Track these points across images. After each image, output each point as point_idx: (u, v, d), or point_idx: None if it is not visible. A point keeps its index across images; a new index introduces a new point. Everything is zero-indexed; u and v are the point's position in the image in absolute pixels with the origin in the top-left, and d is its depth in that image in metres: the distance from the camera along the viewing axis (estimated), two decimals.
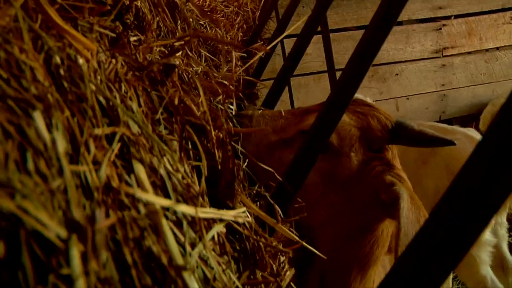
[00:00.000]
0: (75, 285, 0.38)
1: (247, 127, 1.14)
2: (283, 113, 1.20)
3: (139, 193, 0.43)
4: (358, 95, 1.20)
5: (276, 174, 0.89)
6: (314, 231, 1.07)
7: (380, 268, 1.17)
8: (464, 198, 0.42)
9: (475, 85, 4.16)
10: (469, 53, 4.16)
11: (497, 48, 4.22)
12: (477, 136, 2.52)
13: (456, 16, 4.06)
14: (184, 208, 0.49)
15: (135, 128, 0.57)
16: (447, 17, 4.03)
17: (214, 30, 1.60)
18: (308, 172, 0.90)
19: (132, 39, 0.91)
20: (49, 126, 0.46)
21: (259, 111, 1.20)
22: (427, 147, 1.10)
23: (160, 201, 0.45)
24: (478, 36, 4.15)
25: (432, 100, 4.01)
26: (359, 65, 0.81)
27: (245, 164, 0.96)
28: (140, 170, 0.53)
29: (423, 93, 3.98)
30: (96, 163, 0.49)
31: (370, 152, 1.10)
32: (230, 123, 0.97)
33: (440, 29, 4.02)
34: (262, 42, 2.02)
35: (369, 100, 1.23)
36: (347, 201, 1.08)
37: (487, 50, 4.22)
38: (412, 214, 0.94)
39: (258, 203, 0.94)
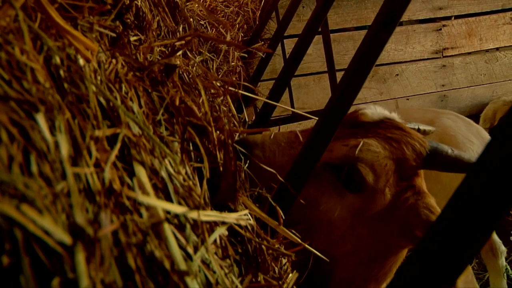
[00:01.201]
0: None
1: (259, 159, 1.00)
2: (300, 138, 1.06)
3: (141, 197, 0.43)
4: (385, 112, 1.11)
5: (278, 175, 0.88)
6: (335, 260, 1.00)
7: None
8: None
9: (475, 85, 4.15)
10: (469, 53, 4.16)
11: (497, 49, 4.21)
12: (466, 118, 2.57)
13: (456, 17, 4.05)
14: (186, 212, 0.48)
15: (136, 130, 0.56)
16: (447, 18, 4.02)
17: (214, 30, 1.59)
18: (310, 173, 0.90)
19: (132, 38, 0.91)
20: (51, 129, 0.46)
21: (270, 135, 1.06)
22: (461, 173, 1.01)
23: (162, 205, 0.44)
24: (478, 37, 4.15)
25: (432, 101, 4.01)
26: (362, 65, 0.80)
27: (246, 165, 0.95)
28: (141, 172, 0.52)
29: (423, 94, 3.97)
30: (98, 166, 0.48)
31: (402, 182, 1.02)
32: (232, 122, 0.96)
33: (440, 29, 4.02)
34: (262, 42, 2.01)
35: (395, 116, 1.12)
36: (376, 233, 1.01)
37: (487, 50, 4.22)
38: None
39: (258, 205, 0.93)
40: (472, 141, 2.16)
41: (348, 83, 0.85)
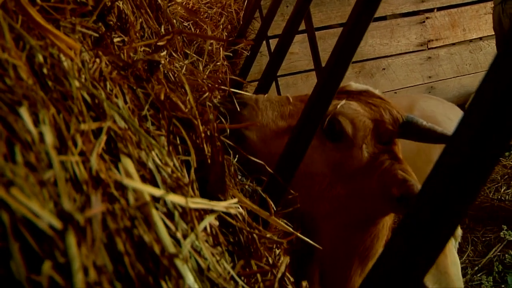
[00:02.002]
0: (74, 277, 0.38)
1: (253, 108, 1.11)
2: (291, 99, 1.16)
3: (126, 181, 0.43)
4: (368, 87, 1.22)
5: (267, 167, 0.89)
6: (316, 223, 1.07)
7: None
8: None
9: (461, 75, 4.20)
10: (453, 44, 4.20)
11: (480, 38, 4.27)
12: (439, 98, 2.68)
13: (439, 9, 4.10)
14: (173, 198, 0.49)
15: (121, 123, 0.57)
16: (430, 10, 4.07)
17: (198, 31, 1.60)
18: (299, 163, 0.91)
19: (115, 40, 0.91)
20: (35, 123, 0.46)
21: (265, 96, 1.16)
22: (435, 144, 1.10)
23: (148, 189, 0.45)
24: (461, 27, 4.20)
25: (420, 93, 4.04)
26: (346, 48, 0.82)
27: (236, 159, 0.96)
28: (129, 164, 0.53)
29: (411, 86, 4.01)
30: (85, 160, 0.49)
31: (380, 145, 1.09)
32: (220, 118, 0.97)
33: (424, 22, 4.06)
34: (247, 42, 2.02)
35: (378, 92, 1.22)
36: (354, 194, 1.06)
37: (470, 40, 4.27)
38: None
39: (249, 197, 0.94)
40: (450, 118, 2.24)
41: (332, 70, 0.87)
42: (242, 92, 1.21)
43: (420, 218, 0.49)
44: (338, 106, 1.09)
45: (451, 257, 1.84)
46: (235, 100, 1.07)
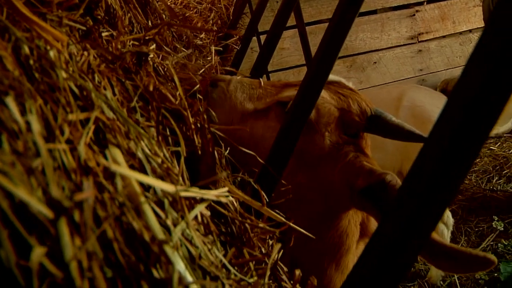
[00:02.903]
0: (70, 267, 0.38)
1: (222, 91, 1.11)
2: (262, 83, 1.15)
3: (114, 167, 0.44)
4: (341, 79, 1.20)
5: (258, 158, 0.90)
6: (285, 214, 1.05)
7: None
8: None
9: (452, 68, 4.22)
10: (443, 37, 4.22)
11: (470, 31, 4.29)
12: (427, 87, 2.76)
13: (429, 2, 4.11)
14: (162, 185, 0.49)
15: (110, 114, 0.57)
16: (420, 3, 4.08)
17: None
18: (291, 154, 0.91)
19: (104, 34, 0.91)
20: (22, 113, 0.46)
21: (238, 77, 1.16)
22: (403, 141, 1.10)
23: (135, 175, 0.45)
24: (451, 20, 4.21)
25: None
26: (334, 39, 0.82)
27: (227, 151, 0.96)
28: (117, 154, 0.53)
29: (402, 79, 4.03)
30: (73, 149, 0.49)
31: (345, 136, 1.07)
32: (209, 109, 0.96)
33: (414, 15, 4.07)
34: (237, 37, 2.02)
35: (351, 85, 1.21)
36: (315, 185, 1.04)
37: (460, 33, 4.29)
38: None
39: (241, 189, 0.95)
40: (439, 107, 2.28)
41: (322, 59, 0.87)
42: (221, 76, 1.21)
43: (407, 207, 0.49)
44: None
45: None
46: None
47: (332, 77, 1.15)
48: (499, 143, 3.86)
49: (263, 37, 2.24)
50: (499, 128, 3.88)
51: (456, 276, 2.47)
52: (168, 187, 0.49)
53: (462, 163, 0.46)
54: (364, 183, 0.98)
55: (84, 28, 0.77)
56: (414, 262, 0.53)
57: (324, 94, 1.09)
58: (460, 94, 0.44)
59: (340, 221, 1.07)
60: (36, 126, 0.42)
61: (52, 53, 0.58)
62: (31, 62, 0.56)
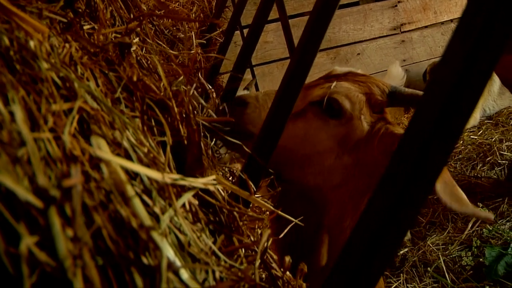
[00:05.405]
0: (61, 255, 0.38)
1: (255, 106, 1.24)
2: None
3: (99, 152, 0.43)
4: (351, 68, 1.36)
5: (244, 147, 0.90)
6: (324, 195, 1.17)
7: None
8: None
9: (434, 57, 4.26)
10: (425, 27, 4.26)
11: (451, 20, 4.33)
12: None
13: None
14: (148, 172, 0.49)
15: (93, 104, 0.57)
16: None
17: (169, 20, 1.58)
18: (277, 142, 0.92)
19: (85, 27, 0.90)
20: (5, 104, 0.46)
21: (258, 92, 1.29)
22: None
23: (120, 161, 0.45)
24: (433, 10, 4.25)
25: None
26: (319, 23, 0.83)
27: (214, 142, 0.96)
28: (102, 143, 0.53)
29: (386, 70, 4.05)
30: (57, 138, 0.48)
31: (374, 115, 1.21)
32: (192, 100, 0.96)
33: (396, 6, 4.10)
34: (220, 30, 2.02)
35: (360, 71, 1.35)
36: (360, 162, 1.17)
37: (442, 23, 4.34)
38: None
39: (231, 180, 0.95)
40: None
41: (304, 50, 0.87)
42: (241, 93, 1.32)
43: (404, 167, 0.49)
44: (332, 87, 1.21)
45: None
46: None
47: (343, 68, 1.33)
48: (481, 131, 3.92)
49: (246, 31, 2.24)
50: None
51: (442, 261, 2.51)
52: (155, 174, 0.49)
53: (452, 130, 0.46)
54: None
55: (64, 20, 0.76)
56: (410, 228, 0.55)
57: (347, 84, 1.22)
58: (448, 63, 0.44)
59: None
60: (20, 115, 0.42)
61: (32, 44, 0.57)
62: (12, 53, 0.55)
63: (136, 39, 1.00)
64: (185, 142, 0.75)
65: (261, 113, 1.22)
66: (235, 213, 0.74)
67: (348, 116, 1.19)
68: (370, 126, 1.19)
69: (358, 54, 3.97)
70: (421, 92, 1.17)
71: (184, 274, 0.48)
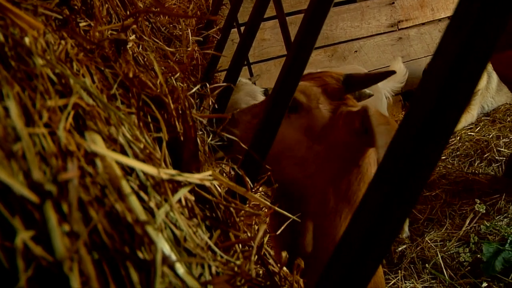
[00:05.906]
0: (57, 249, 0.38)
1: (238, 129, 1.29)
2: (257, 103, 1.37)
3: (93, 147, 0.43)
4: (310, 70, 1.41)
5: (241, 143, 0.90)
6: (304, 185, 1.21)
7: None
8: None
9: (432, 55, 4.25)
10: (423, 24, 4.26)
11: (449, 17, 4.32)
12: None
13: None
14: (144, 167, 0.49)
15: (89, 100, 0.57)
16: None
17: (167, 18, 1.58)
18: (274, 137, 0.92)
19: (81, 24, 0.90)
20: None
21: (237, 111, 1.36)
22: (377, 83, 1.34)
23: (115, 156, 0.45)
24: (430, 7, 4.25)
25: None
26: (312, 25, 0.83)
27: (210, 139, 0.97)
28: (98, 139, 0.53)
29: (383, 67, 4.05)
30: (52, 133, 0.48)
31: (334, 102, 1.26)
32: (190, 98, 0.96)
33: (393, 3, 4.10)
34: (217, 28, 2.02)
35: (318, 70, 1.42)
36: (332, 146, 1.22)
37: (439, 20, 4.34)
38: (383, 127, 1.06)
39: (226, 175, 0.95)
40: None
41: (300, 45, 0.88)
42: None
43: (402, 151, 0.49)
44: None
45: None
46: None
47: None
48: (479, 127, 3.92)
49: (243, 29, 2.24)
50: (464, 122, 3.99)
51: (440, 258, 2.52)
52: (150, 169, 0.50)
53: (446, 123, 0.46)
54: (359, 123, 1.16)
55: (60, 17, 0.76)
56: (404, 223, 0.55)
57: (302, 83, 1.27)
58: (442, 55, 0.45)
59: (360, 167, 1.23)
60: (15, 110, 0.42)
61: (27, 40, 0.57)
62: (6, 49, 0.55)
63: (133, 36, 1.00)
64: (181, 138, 0.75)
65: (240, 127, 1.29)
66: (231, 209, 0.75)
67: (305, 108, 1.25)
68: (332, 112, 1.25)
69: (356, 51, 3.97)
70: (372, 73, 1.28)
71: (180, 269, 0.48)
